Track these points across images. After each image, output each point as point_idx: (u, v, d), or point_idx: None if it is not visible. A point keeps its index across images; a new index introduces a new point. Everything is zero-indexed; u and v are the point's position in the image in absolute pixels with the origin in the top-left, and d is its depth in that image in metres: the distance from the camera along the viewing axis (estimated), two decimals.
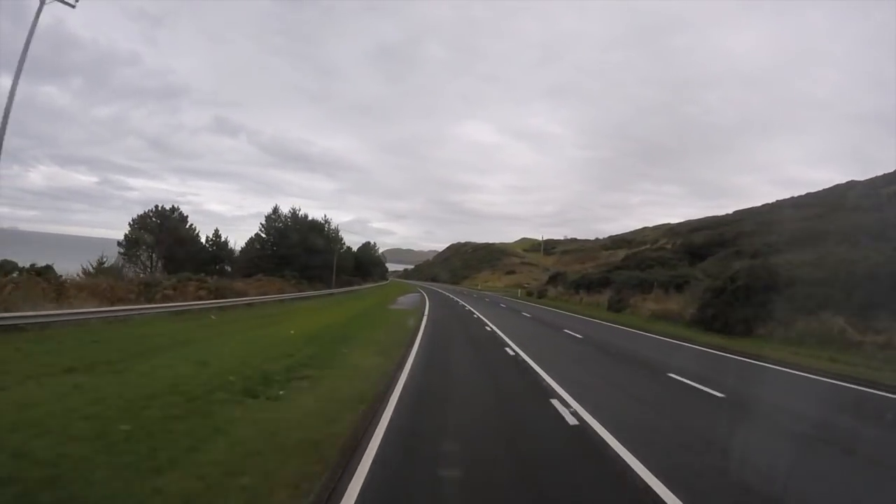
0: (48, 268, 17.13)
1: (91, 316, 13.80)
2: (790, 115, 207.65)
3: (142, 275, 29.75)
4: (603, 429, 6.11)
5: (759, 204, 60.60)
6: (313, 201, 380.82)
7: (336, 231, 56.64)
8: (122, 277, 24.36)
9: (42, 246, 35.32)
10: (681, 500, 4.14)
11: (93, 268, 25.21)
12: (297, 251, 43.99)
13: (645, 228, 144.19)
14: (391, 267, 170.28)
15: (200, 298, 22.53)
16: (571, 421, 6.53)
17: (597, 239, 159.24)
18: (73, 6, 13.54)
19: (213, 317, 19.15)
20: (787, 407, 8.27)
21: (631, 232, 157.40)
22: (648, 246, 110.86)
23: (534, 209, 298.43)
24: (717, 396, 8.59)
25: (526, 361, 11.95)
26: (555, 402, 7.58)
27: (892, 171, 42.41)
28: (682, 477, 4.65)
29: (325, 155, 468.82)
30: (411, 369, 10.27)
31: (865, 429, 7.08)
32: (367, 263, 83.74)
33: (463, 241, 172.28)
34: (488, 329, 20.01)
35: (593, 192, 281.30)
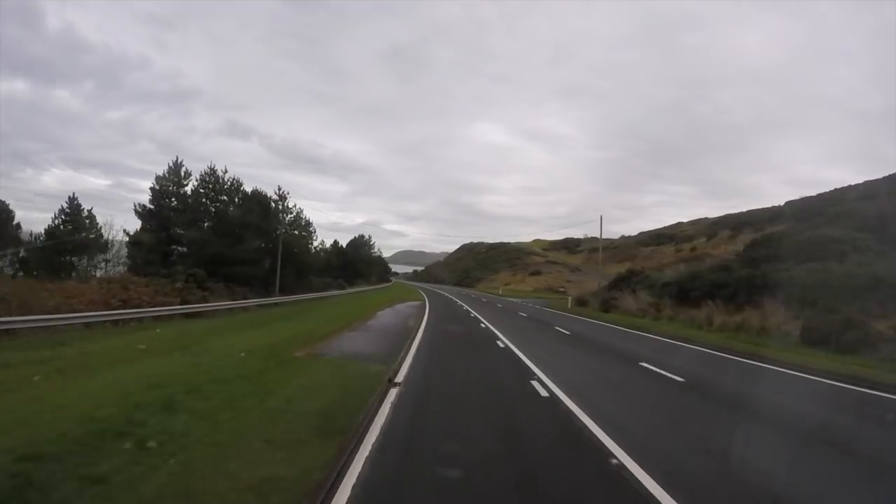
0: None
1: None
2: (804, 114, 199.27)
3: None
4: None
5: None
6: (325, 203, 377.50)
7: (296, 214, 38.83)
8: None
9: None
10: None
11: None
12: (208, 235, 26.30)
13: (679, 224, 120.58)
14: (401, 269, 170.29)
15: None
16: None
17: (621, 236, 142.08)
18: None
19: None
20: None
21: (667, 227, 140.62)
22: (705, 240, 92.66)
23: (546, 210, 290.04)
24: None
25: None
26: None
27: None
28: None
29: (337, 157, 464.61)
30: None
31: None
32: (357, 262, 65.95)
33: (476, 240, 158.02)
34: None
35: (605, 193, 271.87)
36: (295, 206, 39.18)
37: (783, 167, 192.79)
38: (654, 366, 10.94)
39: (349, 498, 3.71)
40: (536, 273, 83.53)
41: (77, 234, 24.50)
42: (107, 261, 26.72)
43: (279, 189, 39.47)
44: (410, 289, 67.50)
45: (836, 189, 44.73)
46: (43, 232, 25.67)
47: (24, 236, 26.59)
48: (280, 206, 35.73)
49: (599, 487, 4.23)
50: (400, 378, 8.49)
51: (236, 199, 32.00)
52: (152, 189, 27.85)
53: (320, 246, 45.57)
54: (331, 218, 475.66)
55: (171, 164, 29.34)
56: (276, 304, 28.51)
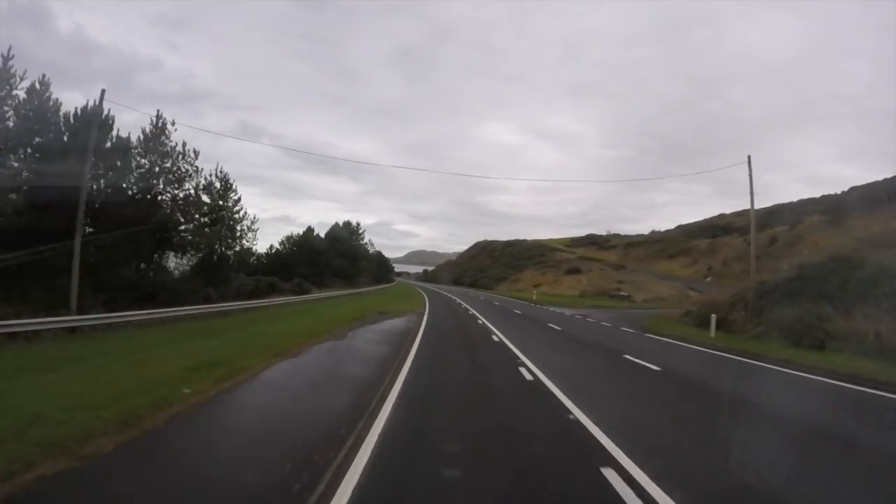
0: None
1: None
2: (817, 111, 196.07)
3: None
4: None
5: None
6: (338, 204, 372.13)
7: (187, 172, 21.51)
8: None
9: None
10: None
11: None
12: None
13: (723, 215, 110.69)
14: (413, 269, 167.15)
15: None
16: None
17: (652, 231, 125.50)
18: None
19: None
20: None
21: (712, 218, 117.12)
22: (787, 228, 75.45)
23: (557, 210, 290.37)
24: None
25: None
26: None
27: None
28: None
29: (349, 157, 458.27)
30: None
31: None
32: (335, 257, 48.54)
33: (490, 238, 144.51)
34: None
35: (617, 192, 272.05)
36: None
37: (796, 165, 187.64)
38: None
39: None
40: (574, 272, 65.29)
41: None
42: None
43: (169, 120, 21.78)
44: (411, 293, 49.76)
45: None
46: None
47: None
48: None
49: None
50: None
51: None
52: None
53: (250, 228, 28.19)
54: (342, 218, 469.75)
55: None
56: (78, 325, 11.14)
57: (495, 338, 15.99)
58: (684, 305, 27.98)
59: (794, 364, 11.74)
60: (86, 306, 14.30)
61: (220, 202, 24.71)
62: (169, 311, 15.84)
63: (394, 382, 7.72)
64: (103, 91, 15.85)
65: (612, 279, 59.34)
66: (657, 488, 3.83)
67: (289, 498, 3.40)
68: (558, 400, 6.89)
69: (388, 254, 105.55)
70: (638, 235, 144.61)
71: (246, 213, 27.71)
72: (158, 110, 24.30)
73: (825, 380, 9.93)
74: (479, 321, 21.94)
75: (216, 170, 26.03)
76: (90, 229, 16.42)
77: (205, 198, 23.45)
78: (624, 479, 3.96)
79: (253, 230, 28.16)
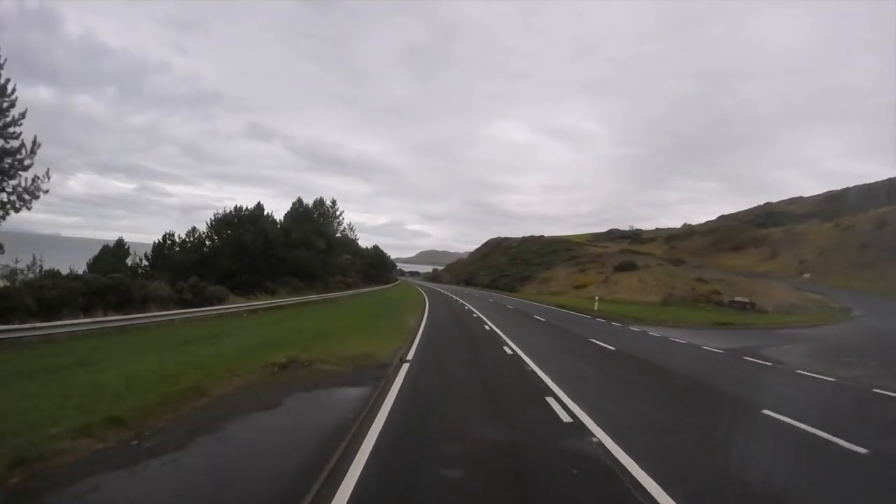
0: None
1: None
2: (831, 106, 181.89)
3: None
4: None
5: None
6: (350, 204, 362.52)
7: None
8: None
9: (85, 252, 28.43)
10: None
11: None
12: None
13: (770, 203, 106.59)
14: (422, 269, 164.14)
15: None
16: None
17: (684, 224, 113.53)
18: None
19: None
20: None
21: (759, 206, 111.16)
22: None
23: (569, 209, 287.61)
24: None
25: None
26: None
27: None
28: None
29: (360, 158, 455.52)
30: None
31: None
32: (287, 245, 32.97)
33: (504, 236, 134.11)
34: None
35: (630, 191, 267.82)
36: None
37: (810, 161, 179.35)
38: None
39: None
40: (627, 268, 48.79)
41: None
42: None
43: None
44: (406, 301, 34.28)
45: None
46: None
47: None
48: None
49: None
50: None
51: None
52: None
53: None
54: (354, 219, 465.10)
55: None
56: None
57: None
58: None
59: None
60: None
61: None
62: None
63: None
64: None
65: (686, 278, 42.91)
66: None
67: None
68: None
69: (399, 254, 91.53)
70: (676, 227, 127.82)
71: None
72: None
73: None
74: (564, 407, 6.04)
75: None
76: None
77: None
78: None
79: None
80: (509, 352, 12.11)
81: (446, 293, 48.20)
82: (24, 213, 15.57)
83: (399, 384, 7.62)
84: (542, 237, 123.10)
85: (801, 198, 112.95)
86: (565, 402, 6.80)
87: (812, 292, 39.24)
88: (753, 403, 7.31)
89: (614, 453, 4.71)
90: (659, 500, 3.73)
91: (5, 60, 14.77)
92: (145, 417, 5.30)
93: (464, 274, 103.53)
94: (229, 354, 9.61)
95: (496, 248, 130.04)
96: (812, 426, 6.00)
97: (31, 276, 16.62)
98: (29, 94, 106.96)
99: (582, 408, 6.42)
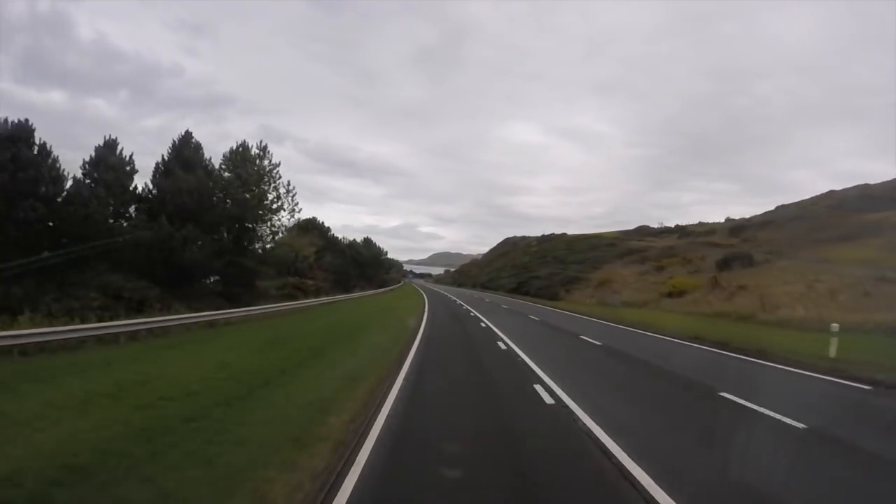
0: None
1: None
2: (847, 105, 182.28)
3: None
4: None
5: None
6: (361, 207, 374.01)
7: None
8: None
9: None
10: None
11: None
12: None
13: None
14: (434, 271, 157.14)
15: None
16: None
17: (727, 219, 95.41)
18: None
19: None
20: None
21: (822, 194, 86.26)
22: None
23: (582, 210, 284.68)
24: None
25: None
26: None
27: None
28: None
29: (372, 160, 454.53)
30: None
31: None
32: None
33: (520, 235, 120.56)
34: None
35: (642, 192, 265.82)
36: None
37: (825, 161, 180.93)
38: None
39: None
40: (740, 264, 31.23)
41: None
42: None
43: None
44: (398, 310, 17.23)
45: None
46: None
47: None
48: None
49: None
50: None
51: None
52: None
53: None
54: (366, 221, 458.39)
55: None
56: None
57: None
58: None
59: None
60: None
61: None
62: None
63: None
64: None
65: (850, 277, 25.53)
66: None
67: None
68: None
69: (411, 256, 76.93)
70: (721, 221, 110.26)
71: None
72: None
73: None
74: None
75: None
76: None
77: None
78: None
79: None
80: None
81: (455, 298, 31.52)
82: None
83: None
84: (564, 235, 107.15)
85: (865, 184, 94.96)
86: None
87: None
88: None
89: None
90: None
91: None
92: None
93: (480, 276, 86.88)
94: None
95: (513, 248, 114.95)
96: None
97: None
98: (42, 98, 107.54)
99: None
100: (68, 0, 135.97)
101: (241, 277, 21.29)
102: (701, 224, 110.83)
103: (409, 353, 11.47)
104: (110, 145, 18.64)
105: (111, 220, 17.09)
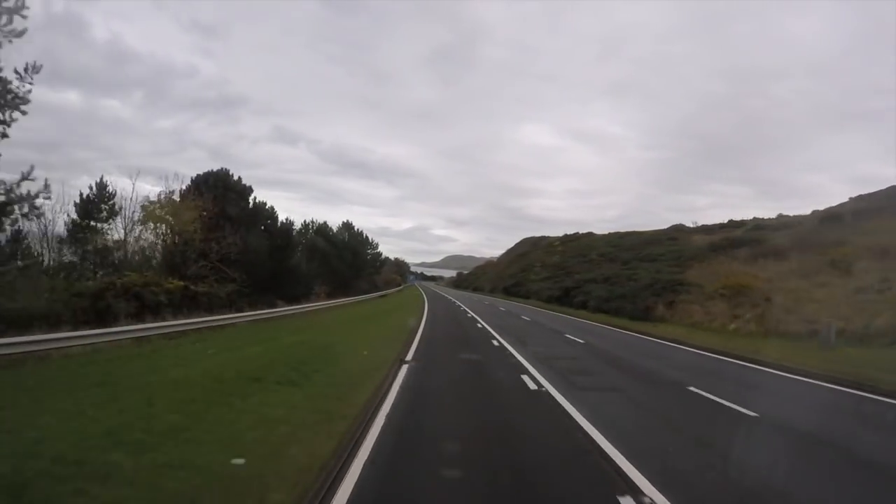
0: None
1: None
2: (866, 107, 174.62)
3: None
4: None
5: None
6: (374, 209, 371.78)
7: None
8: None
9: None
10: None
11: None
12: None
13: None
14: (447, 273, 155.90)
15: None
16: None
17: (779, 215, 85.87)
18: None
19: None
20: None
21: (887, 188, 65.63)
22: None
23: (596, 213, 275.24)
24: None
25: None
26: None
27: None
28: None
29: (385, 161, 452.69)
30: None
31: None
32: None
33: (538, 235, 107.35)
34: None
35: (657, 196, 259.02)
36: None
37: (842, 165, 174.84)
38: None
39: None
40: None
41: None
42: None
43: None
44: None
45: None
46: None
47: None
48: None
49: None
50: None
51: None
52: None
53: None
54: (380, 223, 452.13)
55: None
56: None
57: None
58: None
59: None
60: None
61: None
62: None
63: None
64: None
65: None
66: None
67: None
68: None
69: (424, 258, 63.81)
70: (786, 217, 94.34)
71: None
72: None
73: None
74: None
75: None
76: None
77: None
78: None
79: None
80: None
81: (502, 343, 15.85)
82: None
83: None
84: (591, 234, 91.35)
85: None
86: None
87: None
88: None
89: None
90: None
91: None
92: None
93: (500, 279, 71.02)
94: None
95: (532, 248, 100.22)
96: None
97: None
98: (57, 98, 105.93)
99: None
100: (83, 1, 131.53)
101: None
102: (754, 219, 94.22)
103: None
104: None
105: None
